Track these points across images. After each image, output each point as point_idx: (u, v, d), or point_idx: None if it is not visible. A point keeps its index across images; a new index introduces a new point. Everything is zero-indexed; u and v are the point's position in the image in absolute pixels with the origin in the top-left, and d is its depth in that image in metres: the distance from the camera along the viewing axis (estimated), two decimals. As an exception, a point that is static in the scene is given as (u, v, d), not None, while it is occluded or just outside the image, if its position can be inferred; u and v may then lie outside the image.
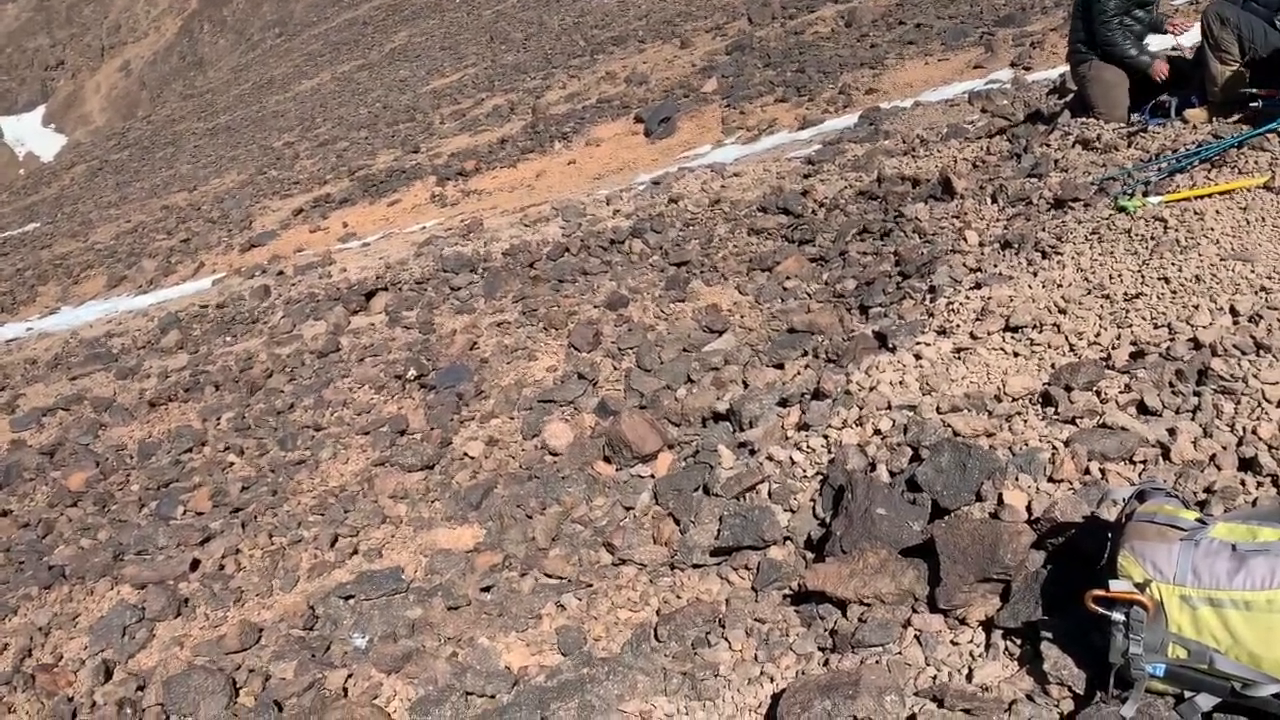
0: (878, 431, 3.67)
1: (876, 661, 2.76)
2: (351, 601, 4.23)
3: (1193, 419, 3.05)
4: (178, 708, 3.72)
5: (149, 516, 5.70)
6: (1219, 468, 2.83)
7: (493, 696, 3.28)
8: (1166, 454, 2.95)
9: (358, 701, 3.42)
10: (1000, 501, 2.95)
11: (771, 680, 2.92)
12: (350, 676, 3.67)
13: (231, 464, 6.18)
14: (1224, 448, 2.88)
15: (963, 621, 2.78)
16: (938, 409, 3.60)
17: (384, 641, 3.84)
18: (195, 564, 4.95)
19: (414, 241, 10.98)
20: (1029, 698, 2.46)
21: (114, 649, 4.37)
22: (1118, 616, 2.19)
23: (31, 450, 7.19)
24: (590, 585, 3.86)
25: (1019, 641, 2.64)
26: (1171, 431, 3.02)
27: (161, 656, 4.25)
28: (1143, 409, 3.20)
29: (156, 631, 4.47)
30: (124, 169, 33.84)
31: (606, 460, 4.80)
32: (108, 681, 4.18)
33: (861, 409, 3.85)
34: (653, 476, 4.54)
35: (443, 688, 3.39)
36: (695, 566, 3.70)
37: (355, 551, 4.72)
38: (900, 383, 3.95)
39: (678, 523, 4.02)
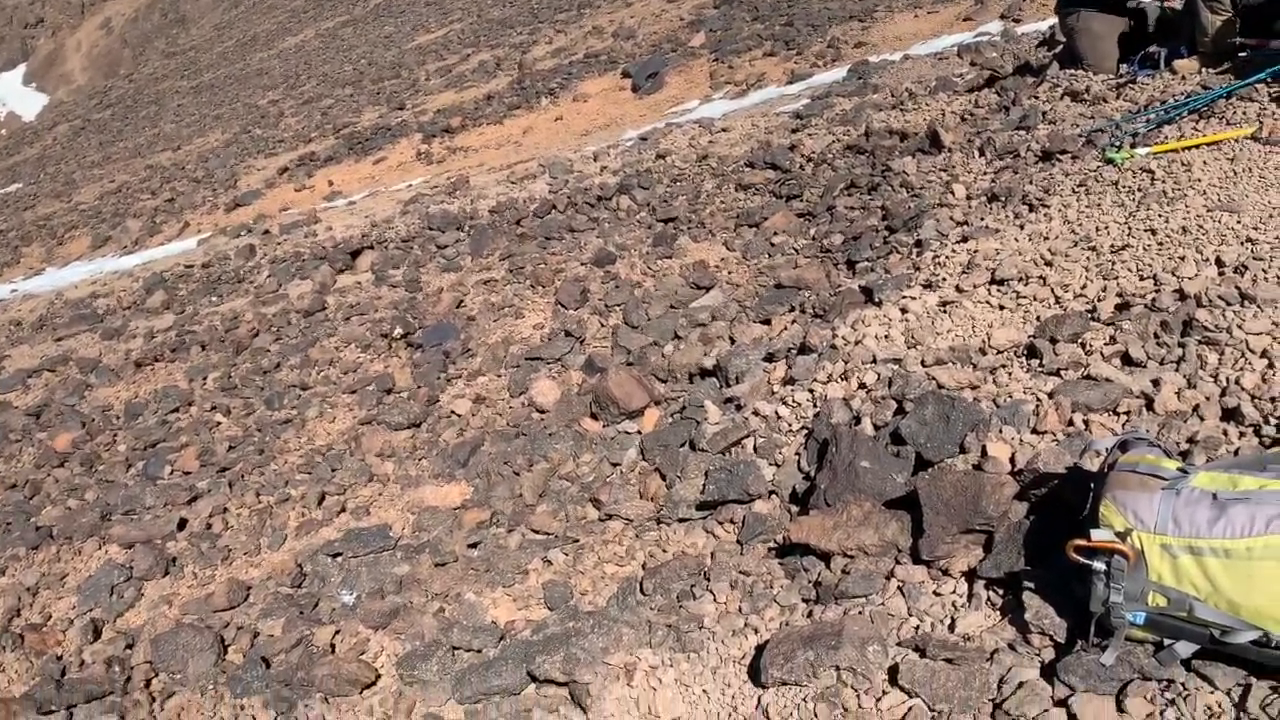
0: (862, 385, 3.66)
1: (860, 612, 2.77)
2: (339, 559, 4.24)
3: (1176, 370, 3.05)
4: (166, 665, 3.73)
5: (136, 477, 5.69)
6: (1202, 418, 2.83)
7: (479, 651, 3.29)
8: (1150, 405, 2.95)
9: (345, 657, 3.43)
10: (984, 453, 2.95)
11: (756, 631, 2.93)
12: (338, 633, 3.68)
13: (218, 424, 6.16)
14: (1207, 398, 2.88)
15: (945, 572, 2.79)
16: (922, 362, 3.59)
17: (371, 598, 3.85)
18: (183, 523, 4.95)
19: (400, 199, 10.89)
20: (1010, 647, 2.47)
21: (102, 608, 4.38)
22: (1099, 565, 2.20)
23: (18, 411, 7.16)
24: (577, 540, 3.87)
25: (1001, 592, 2.65)
26: (1155, 382, 3.01)
27: (150, 615, 4.25)
28: (1127, 360, 3.19)
29: (145, 590, 4.47)
30: (107, 128, 33.46)
31: (593, 417, 4.80)
32: (96, 640, 4.19)
33: (846, 363, 3.84)
34: (639, 433, 4.54)
35: (430, 643, 3.40)
36: (681, 521, 3.71)
37: (343, 509, 4.72)
38: (885, 336, 3.94)
39: (664, 478, 4.02)
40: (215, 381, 6.78)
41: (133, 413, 6.62)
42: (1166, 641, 2.22)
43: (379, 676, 3.35)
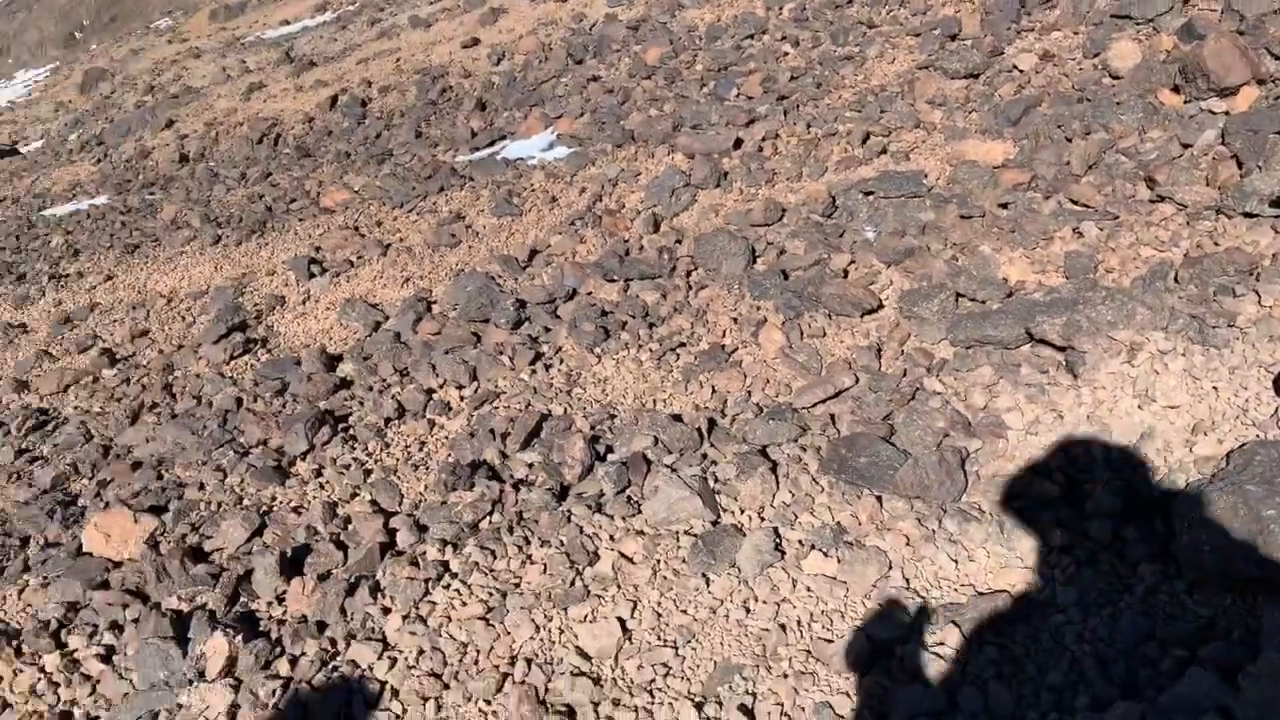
0: None
1: None
2: (870, 197, 4.34)
3: None
4: (704, 262, 4.20)
5: (706, 95, 6.16)
6: None
7: (983, 301, 3.28)
8: None
9: (854, 283, 3.61)
10: None
11: (1299, 343, 2.58)
12: (853, 262, 3.86)
13: (785, 54, 6.36)
14: None
15: None
16: None
17: (891, 236, 3.94)
18: (738, 143, 5.32)
19: None
20: None
21: (662, 206, 4.96)
22: None
23: (620, 25, 7.95)
24: (1117, 217, 3.57)
25: None
26: None
27: (698, 219, 4.75)
28: None
29: (698, 197, 4.96)
30: None
31: (1175, 90, 4.23)
32: (655, 232, 4.79)
33: None
34: (1226, 113, 3.94)
35: (935, 284, 3.44)
36: (1246, 215, 3.25)
37: (884, 151, 4.76)
38: None
39: (1240, 165, 3.51)
40: (790, 12, 6.93)
41: (712, 35, 7.03)
42: None
43: (881, 305, 3.50)
